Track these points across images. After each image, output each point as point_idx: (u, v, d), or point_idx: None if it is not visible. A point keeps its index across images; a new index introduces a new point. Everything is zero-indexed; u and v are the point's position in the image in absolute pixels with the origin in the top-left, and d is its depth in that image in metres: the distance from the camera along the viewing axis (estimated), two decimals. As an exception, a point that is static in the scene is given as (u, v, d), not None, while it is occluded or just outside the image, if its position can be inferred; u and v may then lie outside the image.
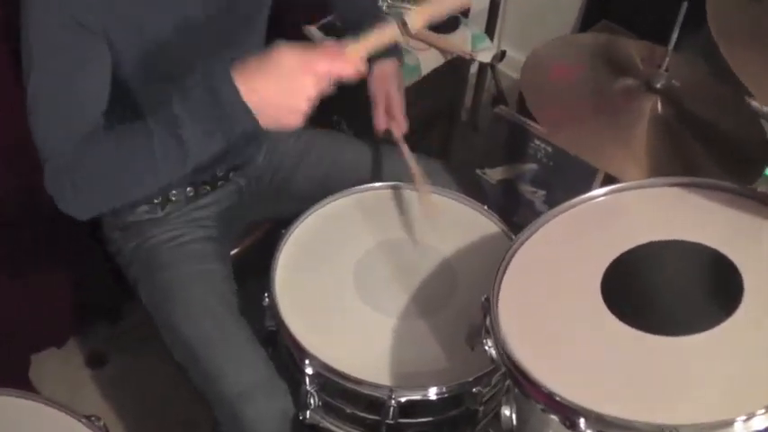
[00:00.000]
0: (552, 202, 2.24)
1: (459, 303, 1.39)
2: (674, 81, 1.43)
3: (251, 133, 1.13)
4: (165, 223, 1.53)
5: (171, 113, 1.10)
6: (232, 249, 1.67)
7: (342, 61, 1.09)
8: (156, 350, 1.53)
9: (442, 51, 2.06)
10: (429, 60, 2.05)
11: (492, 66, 2.44)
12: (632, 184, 1.23)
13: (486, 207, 1.54)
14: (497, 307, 1.07)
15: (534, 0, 2.75)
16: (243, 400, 1.35)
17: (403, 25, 1.13)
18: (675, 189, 1.21)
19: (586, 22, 2.66)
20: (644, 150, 1.36)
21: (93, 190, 1.21)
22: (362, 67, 1.11)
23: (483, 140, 2.44)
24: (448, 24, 2.09)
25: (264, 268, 1.42)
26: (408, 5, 2.12)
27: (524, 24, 2.80)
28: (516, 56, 2.84)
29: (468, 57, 2.08)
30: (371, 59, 1.50)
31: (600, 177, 1.80)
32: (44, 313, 2.02)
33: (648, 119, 1.41)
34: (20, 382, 2.00)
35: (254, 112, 1.07)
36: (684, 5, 1.38)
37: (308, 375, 1.30)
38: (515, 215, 2.38)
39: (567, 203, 1.21)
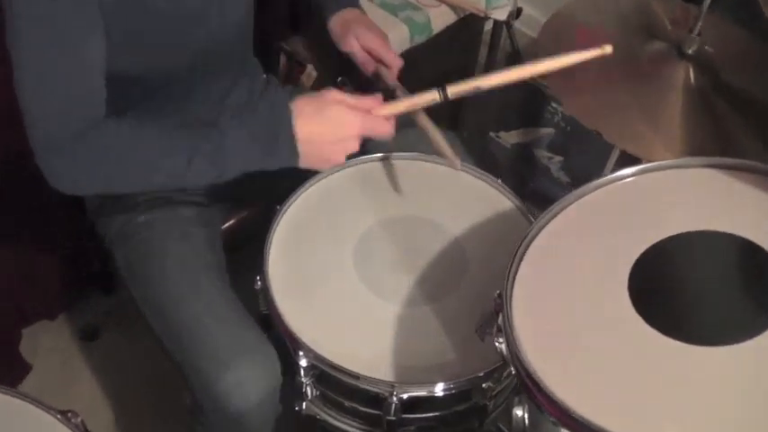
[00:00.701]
0: (569, 168, 2.15)
1: (468, 288, 1.28)
2: (707, 47, 1.31)
3: (249, 70, 1.21)
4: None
5: (222, 140, 1.12)
6: (225, 222, 1.55)
7: (382, 122, 1.17)
8: (151, 323, 1.44)
9: (455, 8, 1.92)
10: (440, 18, 1.93)
11: (507, 24, 2.30)
12: (663, 164, 1.10)
13: (499, 181, 1.42)
14: (511, 305, 0.95)
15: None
16: (221, 368, 1.22)
17: (442, 91, 1.20)
18: (712, 171, 1.09)
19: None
20: (674, 125, 1.24)
21: (96, 176, 1.17)
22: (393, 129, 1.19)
23: (497, 101, 2.31)
24: (460, -21, 1.96)
25: (259, 244, 1.32)
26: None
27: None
28: (533, 13, 2.71)
29: (482, 15, 1.94)
30: (325, 15, 1.51)
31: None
32: (35, 286, 1.97)
33: (679, 89, 1.29)
34: (10, 356, 1.94)
35: (300, 155, 1.14)
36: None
37: (303, 367, 1.20)
38: (531, 181, 2.28)
39: (590, 184, 1.08)
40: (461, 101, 2.29)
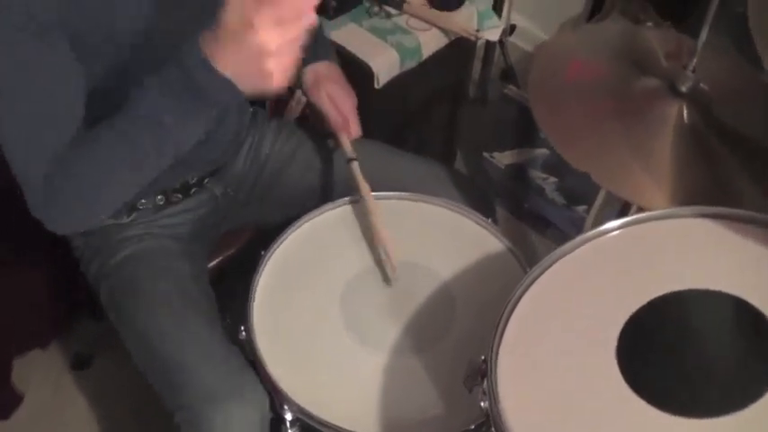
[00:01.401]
0: (564, 188, 2.13)
1: (457, 336, 1.25)
2: (702, 84, 1.27)
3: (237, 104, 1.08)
4: (130, 227, 1.40)
5: (150, 102, 1.02)
6: (210, 261, 1.53)
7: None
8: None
9: (446, 31, 1.89)
10: (431, 41, 1.88)
11: (500, 41, 2.27)
12: (652, 215, 1.07)
13: (490, 220, 1.39)
14: (496, 372, 0.92)
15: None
16: (208, 404, 1.20)
17: None
18: (705, 222, 1.05)
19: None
20: (666, 167, 1.20)
21: (83, 203, 1.13)
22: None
23: (491, 117, 2.29)
24: (451, 1, 1.92)
25: (245, 284, 1.30)
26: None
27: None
28: (528, 26, 2.67)
29: (473, 38, 1.90)
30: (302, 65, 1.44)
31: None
32: (26, 315, 1.94)
33: (672, 128, 1.24)
34: (2, 386, 1.93)
35: (231, 80, 0.97)
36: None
37: (288, 420, 1.18)
38: (526, 201, 2.26)
39: (576, 240, 1.05)
40: (455, 118, 2.28)
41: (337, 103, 1.46)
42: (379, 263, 1.34)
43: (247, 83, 0.97)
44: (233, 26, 0.92)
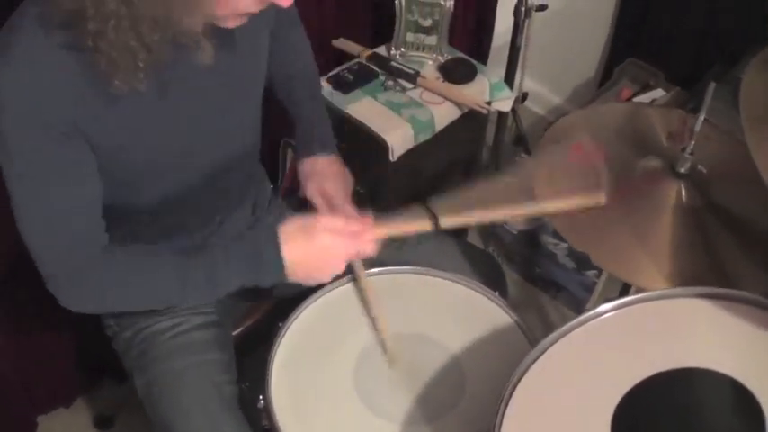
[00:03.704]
0: (575, 254, 2.17)
1: (466, 406, 1.29)
2: (699, 166, 1.32)
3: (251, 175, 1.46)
4: (161, 312, 1.45)
5: (212, 263, 1.21)
6: (234, 330, 1.58)
7: (367, 245, 1.27)
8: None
9: (458, 104, 1.95)
10: (444, 115, 1.95)
11: (513, 109, 2.33)
12: (649, 295, 1.11)
13: (497, 293, 1.44)
14: (499, 452, 0.97)
15: (560, 36, 2.63)
16: None
17: (434, 219, 1.24)
18: (702, 302, 1.09)
19: (613, 59, 2.55)
20: (664, 247, 1.25)
21: (105, 299, 1.26)
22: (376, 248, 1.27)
23: (505, 184, 2.34)
24: (464, 75, 1.99)
25: (262, 352, 1.35)
26: (424, 55, 2.03)
27: (549, 60, 2.68)
28: (541, 91, 2.75)
29: (485, 112, 1.97)
30: (298, 155, 1.56)
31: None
32: (50, 374, 1.99)
33: (670, 209, 1.29)
34: (26, 444, 1.97)
35: (288, 273, 1.23)
36: (712, 86, 1.27)
37: (305, 491, 1.23)
38: (538, 266, 2.30)
39: (576, 320, 1.09)
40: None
41: (331, 203, 1.49)
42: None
43: (301, 277, 1.24)
44: (332, 246, 1.23)
